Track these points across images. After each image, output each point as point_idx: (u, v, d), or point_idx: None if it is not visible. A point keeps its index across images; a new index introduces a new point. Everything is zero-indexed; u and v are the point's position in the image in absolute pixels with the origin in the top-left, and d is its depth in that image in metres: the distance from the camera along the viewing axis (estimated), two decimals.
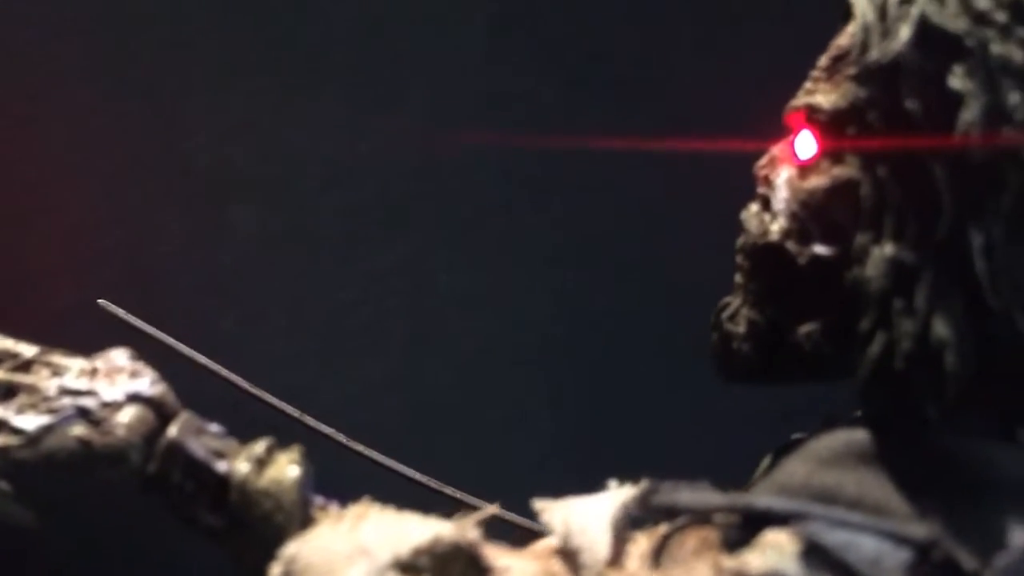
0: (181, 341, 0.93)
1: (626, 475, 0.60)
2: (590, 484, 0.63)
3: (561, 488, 0.65)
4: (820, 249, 0.56)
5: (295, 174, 1.32)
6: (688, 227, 1.25)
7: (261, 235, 1.33)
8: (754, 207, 0.60)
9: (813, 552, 0.48)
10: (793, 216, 0.57)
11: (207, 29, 1.22)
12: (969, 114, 0.52)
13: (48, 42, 1.13)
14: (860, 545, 0.48)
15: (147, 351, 0.87)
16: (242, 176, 1.30)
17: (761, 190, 0.60)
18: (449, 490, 0.75)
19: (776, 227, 0.58)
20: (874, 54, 0.55)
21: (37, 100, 1.16)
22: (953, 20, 0.53)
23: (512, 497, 0.70)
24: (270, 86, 1.27)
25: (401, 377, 1.42)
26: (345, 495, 0.60)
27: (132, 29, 1.18)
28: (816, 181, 0.57)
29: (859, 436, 0.54)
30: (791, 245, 0.57)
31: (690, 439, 1.27)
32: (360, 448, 0.86)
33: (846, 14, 0.59)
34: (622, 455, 1.32)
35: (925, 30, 0.54)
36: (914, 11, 0.54)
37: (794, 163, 0.58)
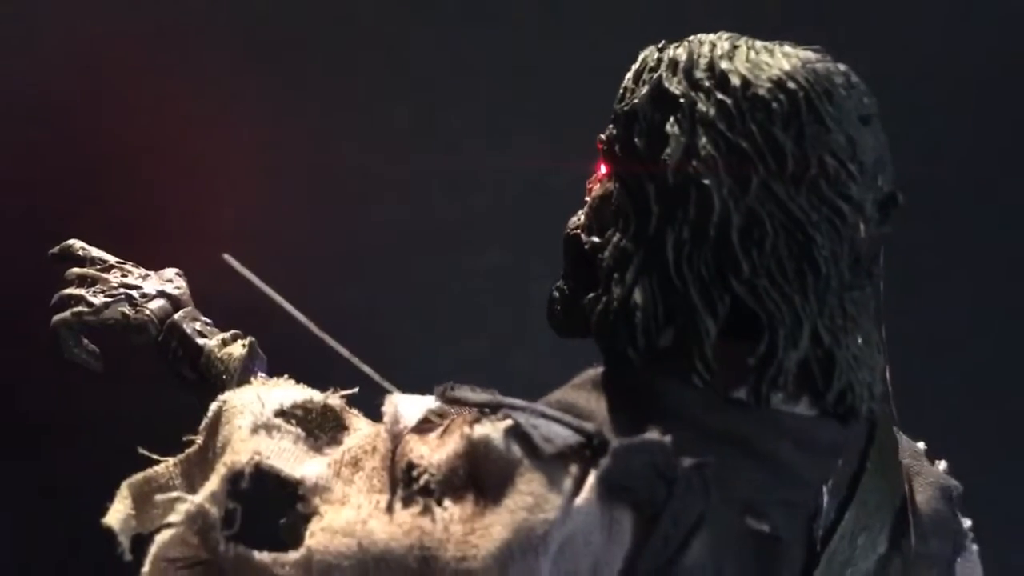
0: (314, 311, 1.21)
1: None
2: None
3: None
4: (595, 239, 0.79)
5: (422, 181, 1.60)
6: None
7: (389, 231, 1.60)
8: (580, 211, 0.84)
9: (513, 429, 0.72)
10: (586, 215, 0.81)
11: (354, 61, 1.52)
12: (671, 150, 0.74)
13: (232, 69, 1.45)
14: (547, 429, 0.71)
15: (262, 302, 1.16)
16: (378, 180, 1.58)
17: (586, 198, 0.84)
18: None
19: (579, 222, 0.81)
20: (622, 105, 0.78)
21: (222, 115, 1.48)
22: (676, 85, 0.76)
23: None
24: (407, 106, 1.55)
25: (487, 360, 1.66)
26: None
27: (296, 61, 1.49)
28: (599, 191, 0.81)
29: (598, 371, 0.78)
30: (583, 235, 0.80)
31: None
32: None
33: None
34: None
35: (658, 90, 0.77)
36: (654, 77, 0.77)
37: (599, 178, 0.82)
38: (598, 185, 0.81)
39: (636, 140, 0.76)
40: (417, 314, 1.60)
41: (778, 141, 0.73)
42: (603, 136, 0.80)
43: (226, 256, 1.14)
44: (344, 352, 1.19)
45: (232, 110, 1.45)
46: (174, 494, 0.75)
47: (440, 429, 0.75)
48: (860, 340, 0.76)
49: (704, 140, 0.73)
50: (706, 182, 0.73)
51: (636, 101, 0.77)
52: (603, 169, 0.81)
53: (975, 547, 0.97)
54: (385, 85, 1.49)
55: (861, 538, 0.78)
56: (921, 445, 0.93)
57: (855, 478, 0.78)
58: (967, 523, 0.97)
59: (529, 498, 0.69)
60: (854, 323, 0.75)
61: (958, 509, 0.86)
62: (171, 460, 0.81)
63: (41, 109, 1.34)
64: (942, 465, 0.95)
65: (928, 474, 0.85)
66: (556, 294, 0.82)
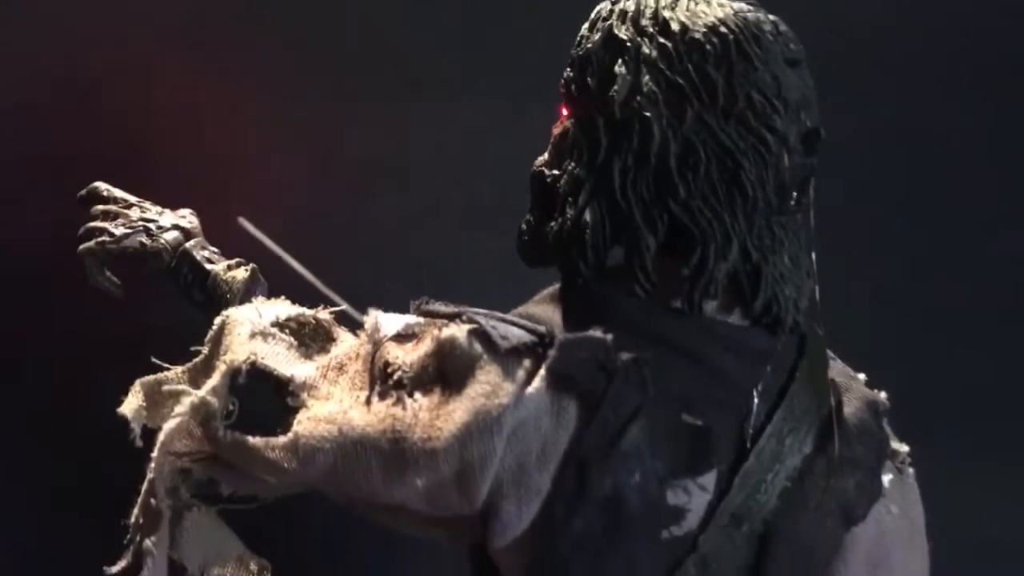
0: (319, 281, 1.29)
1: None
2: None
3: None
4: (555, 172, 0.89)
5: (428, 170, 1.68)
6: None
7: (395, 216, 1.69)
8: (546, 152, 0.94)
9: (475, 330, 0.82)
10: (549, 152, 0.91)
11: (362, 54, 1.61)
12: (618, 88, 0.85)
13: (245, 48, 1.54)
14: (504, 330, 0.82)
15: (275, 263, 1.25)
16: (385, 169, 1.67)
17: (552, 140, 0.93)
18: None
19: (543, 160, 0.91)
20: (578, 50, 0.89)
21: (240, 107, 1.57)
22: (625, 31, 0.86)
23: None
24: (412, 98, 1.64)
25: None
26: None
27: (307, 42, 1.58)
28: (559, 129, 0.91)
29: (556, 287, 0.88)
30: (546, 171, 0.90)
31: None
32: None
33: None
34: None
35: (609, 36, 0.87)
36: (606, 25, 0.88)
37: (561, 120, 0.91)
38: (560, 126, 0.91)
39: (589, 80, 0.87)
40: (423, 295, 1.68)
41: (711, 78, 0.83)
42: (563, 79, 0.90)
43: (241, 220, 1.24)
44: (354, 313, 1.28)
45: (245, 88, 1.54)
46: (180, 387, 0.87)
47: (415, 338, 0.86)
48: (787, 261, 0.86)
49: (647, 78, 0.84)
50: (648, 115, 0.84)
51: (590, 46, 0.88)
52: (564, 112, 0.91)
53: (911, 471, 1.05)
54: (395, 69, 1.58)
55: (788, 439, 0.87)
56: (861, 376, 1.02)
57: (785, 386, 0.88)
58: (904, 448, 1.05)
59: (487, 386, 0.80)
60: (782, 245, 0.86)
61: (884, 423, 0.95)
62: (179, 368, 0.92)
63: (59, 93, 1.44)
64: (882, 395, 1.03)
65: (857, 390, 0.95)
66: (524, 226, 0.92)
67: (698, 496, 0.85)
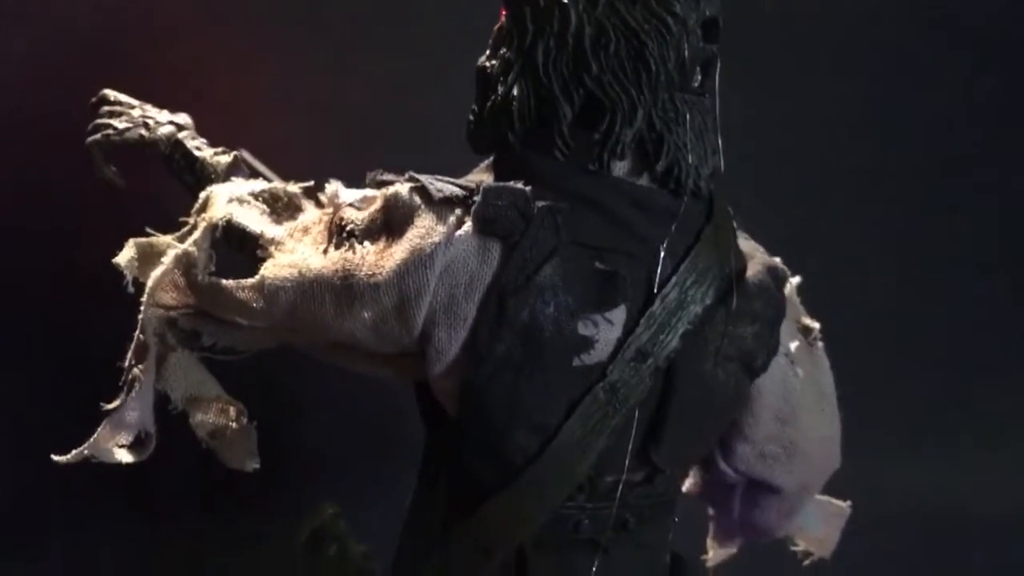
0: None
1: None
2: None
3: None
4: (493, 61, 1.02)
5: (431, 114, 1.78)
6: None
7: (396, 161, 1.79)
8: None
9: (416, 186, 0.97)
10: (489, 47, 1.04)
11: (369, 24, 1.72)
12: None
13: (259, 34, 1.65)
14: (441, 184, 0.96)
15: None
16: (381, 124, 1.78)
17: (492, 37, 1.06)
18: None
19: (485, 55, 1.04)
20: None
21: (255, 78, 1.68)
22: None
23: None
24: (414, 44, 1.74)
25: None
26: None
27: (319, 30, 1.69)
28: (497, 26, 1.04)
29: (493, 157, 1.01)
30: (487, 63, 1.03)
31: None
32: None
33: None
34: None
35: None
36: None
37: (501, 20, 1.05)
38: (499, 24, 1.04)
39: None
40: None
41: None
42: None
43: (243, 152, 1.36)
44: None
45: (243, 40, 1.65)
46: (167, 240, 1.01)
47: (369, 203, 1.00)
48: (691, 133, 0.98)
49: None
50: (566, 3, 0.98)
51: None
52: (503, 13, 1.03)
53: (821, 344, 1.17)
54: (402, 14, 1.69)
55: (691, 290, 0.99)
56: (777, 259, 1.13)
57: (691, 246, 1.00)
58: (816, 325, 1.16)
59: (422, 229, 0.95)
60: (685, 118, 0.98)
61: (785, 287, 1.08)
62: (169, 236, 1.06)
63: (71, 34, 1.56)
64: (794, 280, 1.14)
65: (761, 259, 1.07)
66: (470, 116, 1.05)
67: (606, 330, 0.98)
